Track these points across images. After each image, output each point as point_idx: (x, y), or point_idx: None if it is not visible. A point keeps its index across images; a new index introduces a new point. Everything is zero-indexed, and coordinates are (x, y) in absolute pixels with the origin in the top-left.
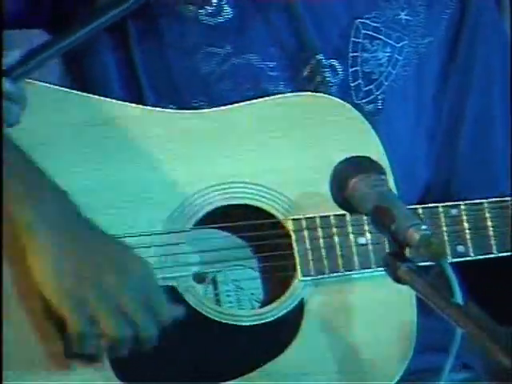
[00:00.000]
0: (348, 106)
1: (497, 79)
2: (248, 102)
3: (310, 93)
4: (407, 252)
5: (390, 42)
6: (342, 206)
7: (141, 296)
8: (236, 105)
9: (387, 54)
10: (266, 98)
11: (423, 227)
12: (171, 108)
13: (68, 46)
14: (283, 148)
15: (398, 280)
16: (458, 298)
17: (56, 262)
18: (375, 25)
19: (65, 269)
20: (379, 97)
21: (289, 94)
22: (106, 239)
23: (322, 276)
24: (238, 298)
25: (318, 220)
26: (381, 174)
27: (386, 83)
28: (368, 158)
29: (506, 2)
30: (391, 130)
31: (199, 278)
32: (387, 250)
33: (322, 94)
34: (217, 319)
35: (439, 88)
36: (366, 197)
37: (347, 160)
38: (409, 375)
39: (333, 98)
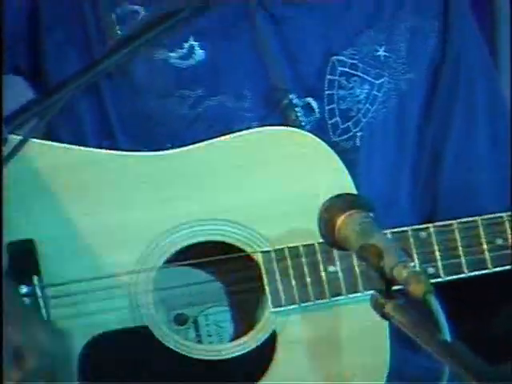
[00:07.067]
0: (318, 140)
1: (481, 117)
2: (214, 140)
3: (280, 127)
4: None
5: (369, 78)
6: (329, 243)
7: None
8: (206, 142)
9: (365, 91)
10: (235, 134)
11: (411, 264)
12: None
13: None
14: (252, 183)
15: (384, 316)
16: (446, 334)
17: None
18: (352, 61)
19: None
20: (357, 134)
21: (258, 129)
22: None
23: (292, 306)
24: (220, 336)
25: (286, 251)
26: (369, 211)
27: (365, 120)
28: (356, 195)
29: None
30: (370, 167)
31: (180, 321)
32: (358, 276)
33: (291, 128)
34: (189, 355)
35: (422, 124)
36: (354, 234)
37: (335, 197)
38: None
39: (303, 132)
